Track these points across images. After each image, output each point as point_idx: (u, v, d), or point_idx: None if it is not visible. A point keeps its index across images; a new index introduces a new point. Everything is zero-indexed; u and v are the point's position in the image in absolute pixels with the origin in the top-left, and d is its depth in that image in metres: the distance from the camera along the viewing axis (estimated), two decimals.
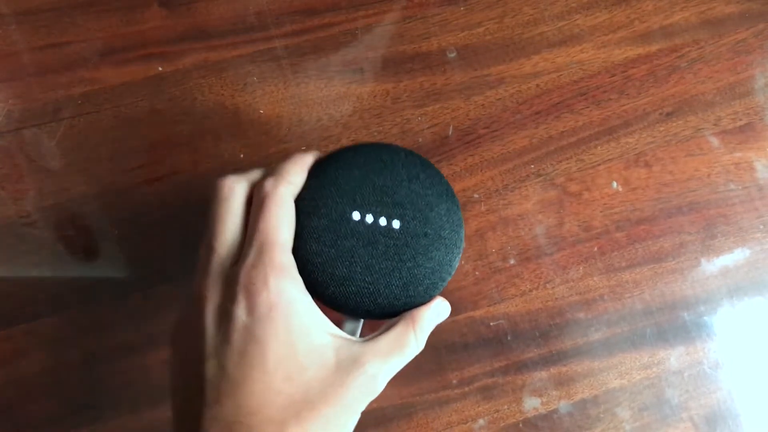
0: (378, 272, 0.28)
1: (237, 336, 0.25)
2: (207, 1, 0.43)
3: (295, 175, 0.29)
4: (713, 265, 0.43)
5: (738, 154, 0.44)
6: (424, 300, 0.29)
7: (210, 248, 0.27)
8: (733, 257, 0.43)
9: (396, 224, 0.29)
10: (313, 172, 0.30)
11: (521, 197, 0.42)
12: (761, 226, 0.44)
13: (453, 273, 0.30)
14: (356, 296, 0.28)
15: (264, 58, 0.42)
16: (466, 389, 0.40)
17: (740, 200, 0.44)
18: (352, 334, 0.30)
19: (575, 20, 0.45)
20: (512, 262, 0.42)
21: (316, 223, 0.28)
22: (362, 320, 0.31)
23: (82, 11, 0.42)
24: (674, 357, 0.42)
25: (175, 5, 0.42)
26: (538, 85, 0.44)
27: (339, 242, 0.28)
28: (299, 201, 0.29)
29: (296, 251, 0.28)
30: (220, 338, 0.25)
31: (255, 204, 0.28)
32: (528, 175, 0.43)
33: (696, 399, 0.41)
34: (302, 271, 0.28)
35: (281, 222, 0.27)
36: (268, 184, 0.28)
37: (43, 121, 0.40)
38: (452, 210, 0.30)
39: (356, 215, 0.29)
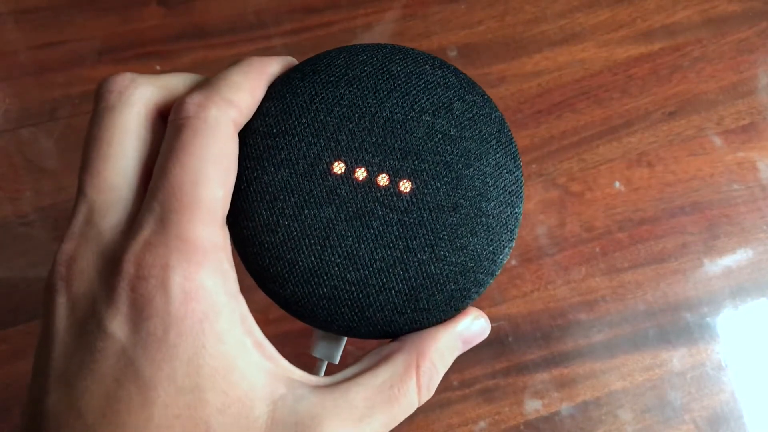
0: (369, 266, 0.18)
1: (106, 365, 0.15)
2: (205, 0, 0.42)
3: (241, 91, 0.17)
4: (716, 265, 0.42)
5: (741, 154, 0.44)
6: (444, 315, 0.19)
7: (81, 195, 0.16)
8: (736, 258, 0.43)
9: (405, 186, 0.18)
10: (276, 90, 0.19)
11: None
12: (764, 227, 0.43)
13: (497, 273, 0.19)
14: (330, 303, 0.18)
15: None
16: (467, 391, 0.40)
17: (743, 200, 0.43)
18: (328, 359, 0.20)
19: (577, 19, 0.44)
20: (513, 262, 0.41)
21: (271, 177, 0.18)
22: (344, 338, 0.21)
23: (80, 10, 0.41)
24: (677, 358, 0.41)
25: (174, 4, 0.42)
26: (539, 84, 0.43)
27: (307, 211, 0.18)
28: (247, 136, 0.18)
29: (235, 221, 0.18)
30: (78, 362, 0.15)
31: (168, 133, 0.16)
32: (529, 175, 0.42)
33: (699, 401, 0.41)
34: (244, 253, 0.18)
35: (208, 168, 0.16)
36: (194, 100, 0.16)
37: (41, 120, 0.40)
38: (505, 166, 0.19)
39: (339, 167, 0.18)
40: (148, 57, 0.41)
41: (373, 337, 0.19)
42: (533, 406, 0.40)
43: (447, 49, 0.43)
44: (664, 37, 0.45)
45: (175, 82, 0.18)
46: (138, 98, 0.17)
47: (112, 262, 0.15)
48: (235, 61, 0.19)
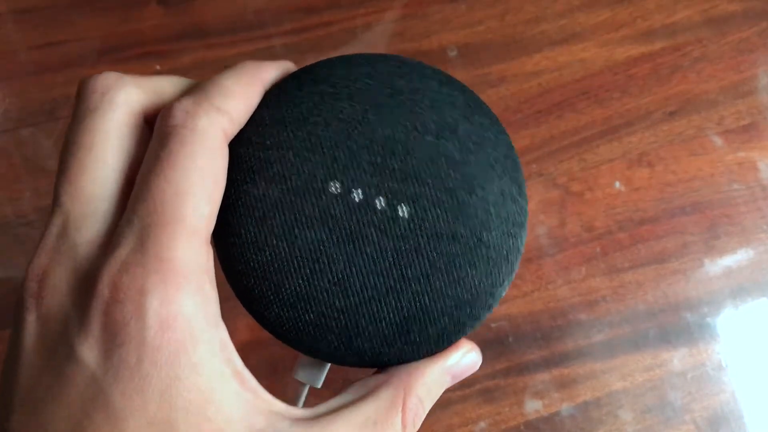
0: (360, 293, 0.17)
1: (75, 392, 0.14)
2: None
3: (234, 99, 0.16)
4: (716, 265, 0.42)
5: (741, 154, 0.44)
6: (435, 347, 0.18)
7: (57, 205, 0.15)
8: (737, 258, 0.43)
9: (404, 211, 0.17)
10: (272, 99, 0.18)
11: None
12: (765, 227, 0.43)
13: (495, 307, 0.18)
14: (317, 330, 0.17)
15: (262, 57, 0.42)
16: (467, 391, 0.40)
17: (744, 200, 0.43)
18: (311, 383, 0.20)
19: (577, 18, 0.44)
20: None
21: (261, 192, 0.17)
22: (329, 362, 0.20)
23: (79, 9, 0.41)
24: (677, 359, 0.41)
25: (173, 3, 0.42)
26: (539, 84, 0.43)
27: (297, 231, 0.16)
28: (238, 145, 0.17)
29: (220, 234, 0.17)
30: (45, 385, 0.14)
31: (153, 142, 0.15)
32: (530, 175, 0.42)
33: (699, 401, 0.41)
34: (228, 270, 0.17)
35: (194, 181, 0.15)
36: (182, 107, 0.15)
37: (40, 120, 0.40)
38: (510, 195, 0.18)
39: (335, 187, 0.17)
40: (148, 57, 0.41)
41: (360, 366, 0.18)
42: (533, 407, 0.40)
43: (447, 48, 0.43)
44: (665, 37, 0.45)
45: (164, 86, 0.17)
46: (123, 101, 0.16)
47: (86, 281, 0.14)
48: (228, 65, 0.17)
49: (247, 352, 0.36)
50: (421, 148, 0.17)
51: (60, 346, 0.14)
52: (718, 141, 0.44)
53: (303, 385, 0.20)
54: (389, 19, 0.43)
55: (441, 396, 0.41)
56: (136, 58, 0.41)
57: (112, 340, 0.14)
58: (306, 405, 0.18)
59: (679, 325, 0.42)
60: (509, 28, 0.44)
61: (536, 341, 0.41)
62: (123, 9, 0.41)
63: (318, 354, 0.18)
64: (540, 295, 0.41)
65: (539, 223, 0.42)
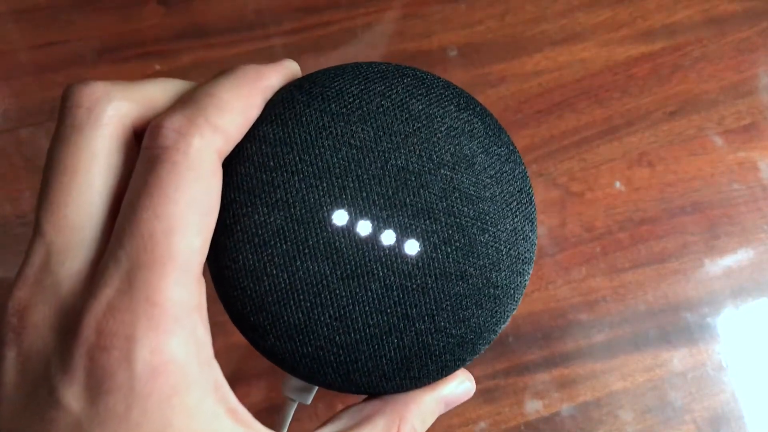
0: (361, 330, 0.16)
1: None
2: None
3: (231, 113, 0.15)
4: (717, 265, 0.42)
5: (742, 154, 0.44)
6: (432, 380, 0.18)
7: (38, 234, 0.14)
8: (737, 258, 0.43)
9: (412, 248, 0.16)
10: (276, 112, 0.16)
11: None
12: (765, 227, 0.43)
13: (493, 341, 0.18)
14: (313, 362, 0.16)
15: (262, 57, 0.42)
16: None
17: (744, 200, 0.43)
18: (300, 399, 0.20)
19: (577, 18, 0.44)
20: None
21: (262, 218, 0.16)
22: None
23: (79, 9, 0.41)
24: (677, 359, 0.41)
25: (173, 3, 0.42)
26: (540, 84, 0.43)
27: (299, 263, 0.16)
28: (237, 162, 0.16)
29: (216, 257, 0.16)
30: (26, 425, 0.14)
31: (141, 164, 0.14)
32: (530, 175, 0.42)
33: (699, 401, 0.41)
34: (223, 294, 0.16)
35: (186, 213, 0.14)
36: (173, 125, 0.14)
37: (40, 120, 0.40)
38: (522, 232, 0.17)
39: (340, 217, 0.16)
40: (148, 57, 0.41)
41: (354, 394, 0.18)
42: (534, 407, 0.40)
43: (447, 48, 0.43)
44: (665, 37, 0.45)
45: (155, 93, 0.15)
46: (111, 116, 0.14)
47: (69, 321, 0.13)
48: (225, 69, 0.16)
49: (246, 354, 0.36)
50: (435, 182, 0.16)
51: (41, 388, 0.13)
52: (719, 141, 0.44)
53: (292, 401, 0.20)
54: (389, 19, 0.43)
55: None
56: (136, 58, 0.41)
57: (98, 387, 0.13)
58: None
59: (679, 325, 0.42)
60: (509, 28, 0.44)
61: (536, 341, 0.41)
62: (123, 9, 0.41)
63: (312, 382, 0.17)
64: (540, 295, 0.41)
65: (539, 223, 0.42)
